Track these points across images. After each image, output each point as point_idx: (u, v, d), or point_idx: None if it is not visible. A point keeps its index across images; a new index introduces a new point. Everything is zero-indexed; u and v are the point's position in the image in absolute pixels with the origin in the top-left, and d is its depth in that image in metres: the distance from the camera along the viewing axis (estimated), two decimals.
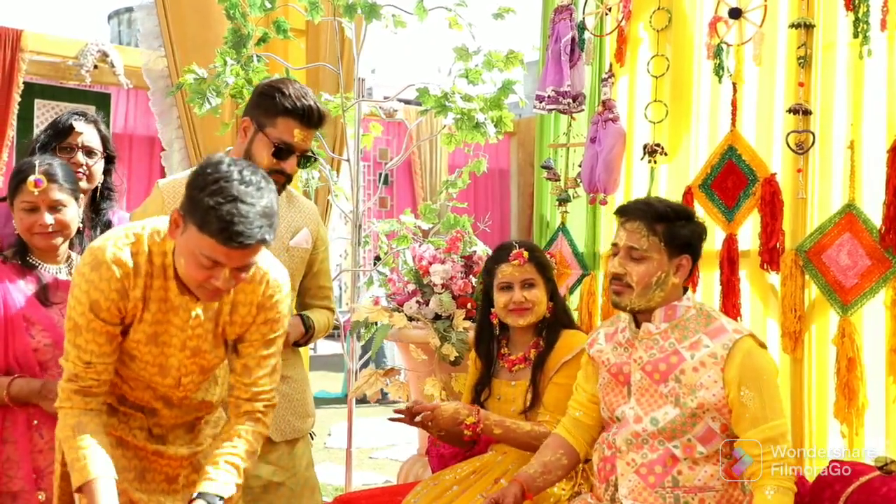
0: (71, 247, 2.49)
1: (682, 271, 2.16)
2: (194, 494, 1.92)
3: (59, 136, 2.72)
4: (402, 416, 2.56)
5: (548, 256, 2.76)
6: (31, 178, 2.33)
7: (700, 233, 2.21)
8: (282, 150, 2.40)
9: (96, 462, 1.88)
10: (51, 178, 2.35)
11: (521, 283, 2.58)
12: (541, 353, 2.58)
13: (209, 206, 1.77)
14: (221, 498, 1.92)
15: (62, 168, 2.41)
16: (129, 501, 2.02)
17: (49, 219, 2.35)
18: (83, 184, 2.72)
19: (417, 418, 2.52)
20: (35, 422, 2.31)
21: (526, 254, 2.59)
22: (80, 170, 2.69)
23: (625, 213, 2.21)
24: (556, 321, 2.63)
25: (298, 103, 2.38)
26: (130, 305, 1.94)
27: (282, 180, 2.45)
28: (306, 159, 2.49)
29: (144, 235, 1.96)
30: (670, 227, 2.14)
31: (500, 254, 2.64)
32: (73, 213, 2.41)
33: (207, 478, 1.95)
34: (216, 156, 1.89)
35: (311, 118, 2.41)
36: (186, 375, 2.07)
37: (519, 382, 2.60)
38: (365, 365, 4.17)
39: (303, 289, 2.65)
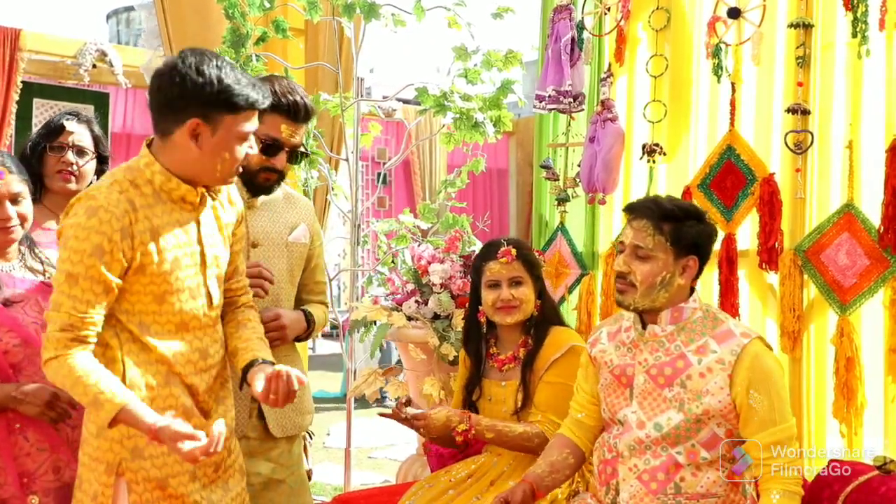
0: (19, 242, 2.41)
1: (688, 272, 2.13)
2: (258, 360, 2.05)
3: (51, 135, 2.70)
4: (391, 415, 2.55)
5: (536, 254, 2.75)
6: None
7: (709, 234, 2.17)
8: (270, 146, 2.40)
9: (116, 389, 1.86)
10: (9, 169, 2.29)
11: (509, 280, 2.57)
12: (530, 351, 2.57)
13: (227, 85, 1.89)
14: (273, 364, 2.02)
15: (12, 158, 2.37)
16: None
17: (12, 211, 2.29)
18: (72, 185, 2.69)
19: (408, 413, 2.50)
20: (17, 425, 2.24)
21: (514, 251, 2.58)
22: (70, 168, 2.67)
23: (632, 210, 2.18)
24: (545, 319, 2.61)
25: (284, 99, 2.39)
26: (136, 242, 1.93)
27: (273, 177, 2.46)
28: (298, 155, 2.49)
29: (120, 175, 1.97)
30: (678, 227, 2.11)
31: (488, 251, 2.63)
32: (30, 205, 2.36)
33: (252, 348, 2.08)
34: (171, 59, 1.98)
35: (298, 113, 2.42)
36: (213, 290, 2.09)
37: (509, 383, 2.59)
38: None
39: (300, 284, 2.65)
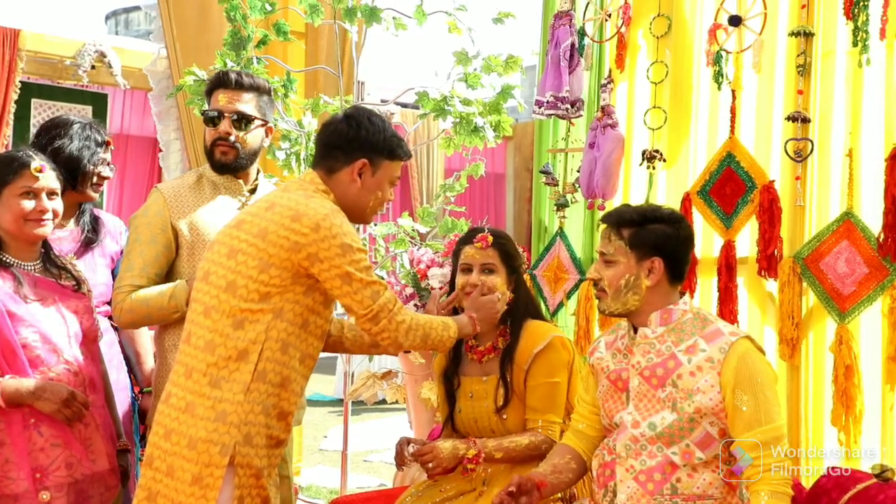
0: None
1: (654, 274, 2.14)
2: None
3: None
4: (397, 459, 2.54)
5: (518, 249, 2.69)
6: (37, 164, 2.35)
7: (671, 234, 2.16)
8: (212, 118, 2.56)
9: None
10: (50, 166, 2.40)
11: (481, 266, 2.56)
12: (508, 345, 2.54)
13: (389, 136, 2.22)
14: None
15: (50, 161, 2.45)
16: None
17: (48, 204, 2.37)
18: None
19: (410, 451, 2.47)
20: (32, 420, 2.27)
21: (490, 238, 2.57)
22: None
23: (601, 220, 2.28)
24: (520, 311, 2.58)
25: (217, 75, 2.62)
26: None
27: (230, 152, 2.55)
28: (243, 121, 2.57)
29: (319, 195, 2.17)
30: (636, 231, 2.15)
31: (468, 236, 2.64)
32: (61, 202, 2.43)
33: None
34: (346, 110, 2.29)
35: (229, 81, 2.59)
36: None
37: (490, 378, 2.56)
38: None
39: None
